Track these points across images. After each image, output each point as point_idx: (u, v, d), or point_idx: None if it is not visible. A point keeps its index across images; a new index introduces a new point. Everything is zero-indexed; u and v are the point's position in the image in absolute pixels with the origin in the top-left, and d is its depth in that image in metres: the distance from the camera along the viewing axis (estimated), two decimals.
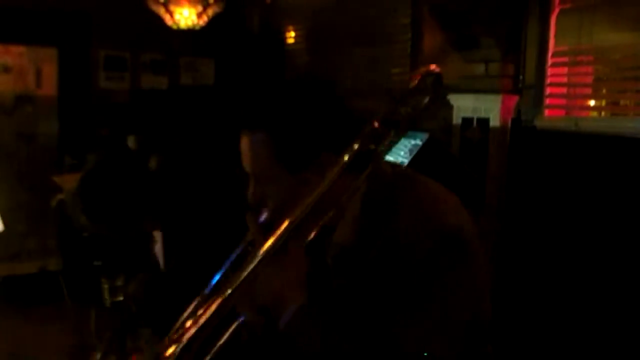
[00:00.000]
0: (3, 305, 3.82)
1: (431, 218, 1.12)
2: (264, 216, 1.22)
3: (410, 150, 2.46)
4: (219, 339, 1.16)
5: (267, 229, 1.15)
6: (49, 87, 4.83)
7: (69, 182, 3.95)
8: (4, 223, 3.08)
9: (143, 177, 2.07)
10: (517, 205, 2.73)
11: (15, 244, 4.56)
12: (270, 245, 1.10)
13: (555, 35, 2.67)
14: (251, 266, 1.10)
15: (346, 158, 1.13)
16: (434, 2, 3.13)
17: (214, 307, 1.09)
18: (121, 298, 2.53)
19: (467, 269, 1.13)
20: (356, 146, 1.14)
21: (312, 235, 1.16)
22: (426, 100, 1.14)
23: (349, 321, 1.13)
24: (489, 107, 2.77)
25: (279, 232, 1.11)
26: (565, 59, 2.69)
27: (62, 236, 4.48)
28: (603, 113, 2.72)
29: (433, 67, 1.15)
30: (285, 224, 1.11)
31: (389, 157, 1.99)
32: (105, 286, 2.47)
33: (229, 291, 1.10)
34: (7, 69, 4.80)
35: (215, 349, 1.16)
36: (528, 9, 2.71)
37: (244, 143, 1.22)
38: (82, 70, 4.67)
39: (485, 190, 2.76)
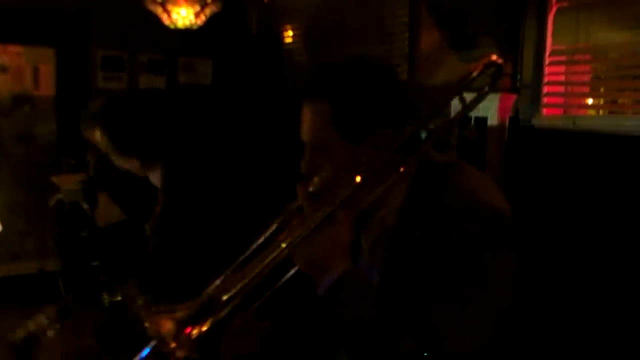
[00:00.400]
0: (1, 306, 3.81)
1: (479, 201, 1.17)
2: (312, 187, 1.25)
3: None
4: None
5: (315, 199, 1.20)
6: (47, 87, 4.83)
7: (67, 182, 3.95)
8: (2, 223, 3.08)
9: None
10: (515, 204, 2.72)
11: (13, 244, 4.56)
12: (322, 214, 1.14)
13: (553, 34, 2.68)
14: (300, 232, 1.14)
15: (404, 138, 1.18)
16: (432, 2, 3.13)
17: (261, 265, 1.13)
18: (119, 298, 2.52)
19: (508, 251, 1.17)
20: (413, 127, 1.20)
21: (360, 208, 1.20)
22: (486, 89, 1.19)
23: (388, 296, 1.16)
24: (486, 106, 2.78)
25: (331, 201, 1.15)
26: (562, 58, 2.69)
27: (61, 237, 4.48)
28: (601, 111, 2.73)
29: (494, 57, 1.19)
30: (339, 195, 1.15)
31: None
32: (106, 299, 2.46)
33: (283, 246, 1.13)
34: (4, 69, 4.79)
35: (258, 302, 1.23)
36: (525, 8, 2.71)
37: (306, 112, 1.27)
38: (80, 70, 4.66)
39: None
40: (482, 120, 2.80)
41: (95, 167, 4.33)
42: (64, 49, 4.63)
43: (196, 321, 1.10)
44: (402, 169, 1.20)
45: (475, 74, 1.19)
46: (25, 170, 4.80)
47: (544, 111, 2.73)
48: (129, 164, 2.07)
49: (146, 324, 1.11)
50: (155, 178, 2.07)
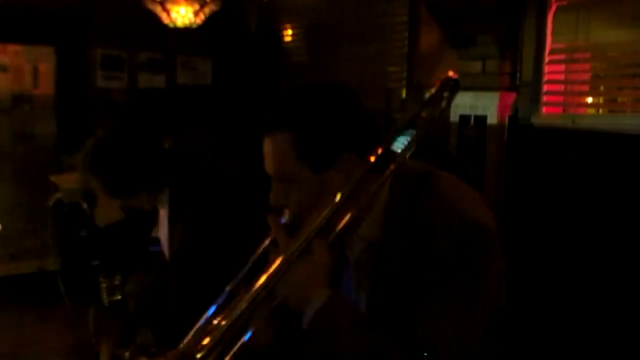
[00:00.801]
0: (1, 305, 3.82)
1: (455, 212, 1.16)
2: (285, 217, 1.25)
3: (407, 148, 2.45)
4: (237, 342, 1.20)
5: (290, 230, 1.19)
6: (46, 86, 4.83)
7: (66, 181, 3.94)
8: (2, 223, 3.08)
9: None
10: (515, 203, 2.73)
11: (13, 243, 4.56)
12: (297, 246, 1.14)
13: (553, 33, 2.67)
14: (276, 267, 1.14)
15: (372, 159, 1.17)
16: (431, 0, 3.13)
17: (242, 305, 1.14)
18: (119, 297, 2.52)
19: (490, 259, 1.17)
20: (380, 148, 1.18)
21: (335, 233, 1.18)
22: (444, 105, 1.20)
23: (378, 314, 1.17)
24: (486, 105, 2.77)
25: (305, 232, 1.15)
26: (562, 57, 2.69)
27: (60, 236, 4.48)
28: (601, 110, 2.72)
29: (451, 74, 1.21)
30: (312, 224, 1.15)
31: None
32: (103, 285, 2.46)
33: (257, 288, 1.14)
34: (4, 69, 4.79)
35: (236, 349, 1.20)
36: (525, 6, 2.71)
37: (267, 144, 1.24)
38: (80, 70, 4.66)
39: (482, 187, 2.77)
40: (481, 119, 2.80)
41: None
42: (64, 48, 4.63)
43: None
44: (373, 189, 1.18)
45: (433, 91, 1.20)
46: (25, 170, 4.81)
47: (544, 110, 2.73)
48: (136, 201, 2.04)
49: None
50: (163, 203, 2.04)
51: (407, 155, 1.20)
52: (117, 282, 2.47)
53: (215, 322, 1.19)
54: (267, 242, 1.27)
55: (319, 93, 1.26)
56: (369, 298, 1.23)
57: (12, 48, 4.78)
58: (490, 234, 1.17)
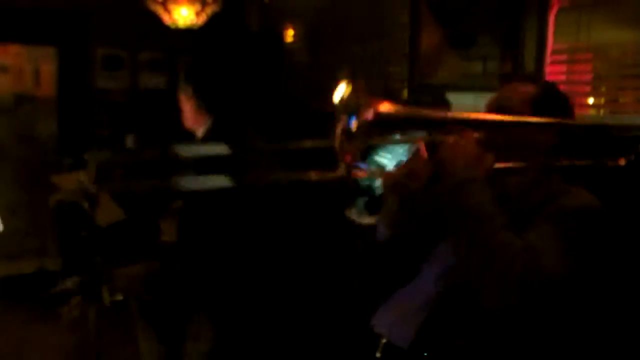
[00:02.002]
0: (2, 305, 3.82)
1: (591, 196, 1.46)
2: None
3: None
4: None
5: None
6: (48, 86, 4.83)
7: (67, 181, 3.95)
8: (3, 223, 3.08)
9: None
10: None
11: (14, 243, 4.55)
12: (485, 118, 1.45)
13: (554, 33, 2.67)
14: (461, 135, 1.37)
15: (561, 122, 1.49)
16: (432, 0, 3.13)
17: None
18: (120, 297, 2.53)
19: (598, 236, 1.41)
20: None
21: (498, 164, 1.41)
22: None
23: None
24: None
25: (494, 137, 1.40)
26: (564, 57, 2.68)
27: (61, 236, 4.48)
28: (602, 111, 2.72)
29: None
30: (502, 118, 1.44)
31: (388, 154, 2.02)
32: (104, 286, 2.47)
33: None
34: (5, 69, 4.79)
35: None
36: (526, 6, 2.71)
37: (514, 86, 1.56)
38: (81, 70, 4.66)
39: None
40: None
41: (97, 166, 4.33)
42: (65, 48, 4.62)
43: None
44: (540, 160, 1.46)
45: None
46: (26, 170, 4.81)
47: None
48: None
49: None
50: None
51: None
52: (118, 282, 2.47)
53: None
54: None
55: None
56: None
57: (14, 48, 4.78)
58: (609, 224, 1.44)
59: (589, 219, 1.41)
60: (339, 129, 1.35)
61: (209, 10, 3.90)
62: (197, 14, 3.87)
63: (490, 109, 1.55)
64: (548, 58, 2.69)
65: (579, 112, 2.66)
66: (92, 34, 4.61)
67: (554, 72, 2.71)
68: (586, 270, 1.42)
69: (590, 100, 2.74)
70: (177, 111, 2.59)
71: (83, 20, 4.54)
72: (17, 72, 4.84)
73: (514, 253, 1.27)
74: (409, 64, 3.35)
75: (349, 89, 1.29)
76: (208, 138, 2.27)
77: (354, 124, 1.34)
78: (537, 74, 2.72)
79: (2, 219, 3.07)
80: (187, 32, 4.06)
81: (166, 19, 3.90)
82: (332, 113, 1.40)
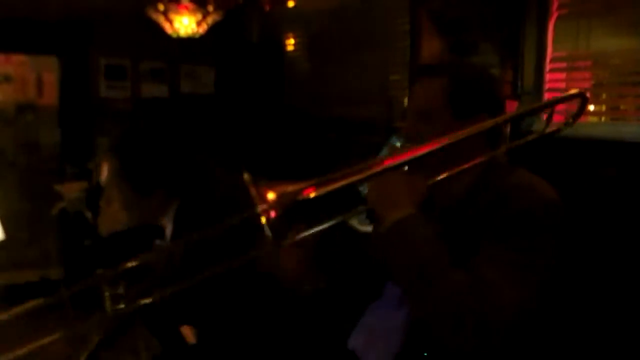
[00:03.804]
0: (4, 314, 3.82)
1: (534, 188, 1.35)
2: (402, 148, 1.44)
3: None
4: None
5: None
6: (50, 96, 4.85)
7: (70, 190, 3.96)
8: (6, 232, 3.09)
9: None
10: None
11: (16, 252, 4.56)
12: (404, 159, 1.31)
13: (553, 41, 2.68)
14: (379, 168, 1.30)
15: (498, 120, 1.40)
16: (433, 9, 3.14)
17: (341, 183, 1.26)
18: (123, 306, 2.52)
19: (554, 232, 1.32)
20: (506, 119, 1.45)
21: (433, 181, 1.34)
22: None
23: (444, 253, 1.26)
24: None
25: (415, 153, 1.31)
26: (563, 65, 2.69)
27: (64, 245, 4.49)
28: (603, 118, 2.73)
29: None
30: (424, 149, 1.32)
31: None
32: (107, 294, 2.46)
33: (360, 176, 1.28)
34: (8, 79, 4.83)
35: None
36: (526, 15, 2.72)
37: (424, 83, 1.48)
38: (83, 79, 4.68)
39: None
40: None
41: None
42: (68, 58, 4.65)
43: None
44: (481, 158, 1.37)
45: None
46: (29, 179, 4.83)
47: (545, 118, 2.73)
48: (146, 206, 1.95)
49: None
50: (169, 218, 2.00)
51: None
52: (120, 291, 2.47)
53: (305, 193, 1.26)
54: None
55: (474, 63, 1.61)
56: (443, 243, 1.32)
57: (17, 58, 4.82)
58: (557, 213, 1.34)
59: (541, 222, 1.30)
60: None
61: (210, 19, 3.92)
62: (198, 23, 3.89)
63: (410, 114, 1.48)
64: (547, 66, 2.71)
65: (579, 119, 2.67)
66: (95, 43, 4.63)
67: (553, 79, 2.72)
68: (551, 286, 1.33)
69: (591, 108, 2.74)
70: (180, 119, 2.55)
71: (85, 30, 4.57)
72: (20, 82, 4.88)
73: (464, 295, 1.18)
74: (409, 72, 3.36)
75: (254, 193, 1.19)
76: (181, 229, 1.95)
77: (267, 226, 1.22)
78: (536, 81, 2.73)
79: (4, 228, 3.08)
80: (189, 42, 4.09)
81: (168, 28, 3.92)
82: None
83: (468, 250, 1.26)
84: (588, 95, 1.46)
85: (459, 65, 1.51)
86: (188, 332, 2.21)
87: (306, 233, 1.29)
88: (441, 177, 1.34)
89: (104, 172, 1.97)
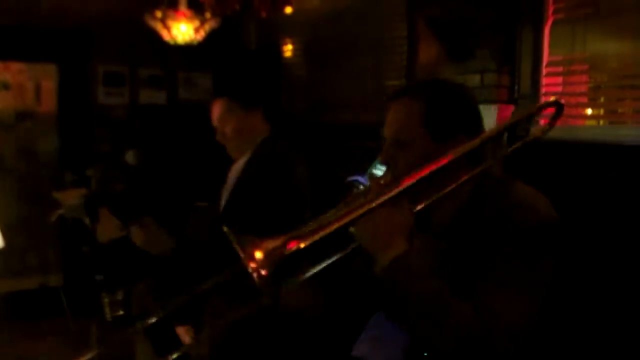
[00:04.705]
0: (4, 321, 3.82)
1: (531, 206, 1.32)
2: (384, 179, 1.37)
3: None
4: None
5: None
6: (49, 103, 4.86)
7: (69, 197, 3.96)
8: (4, 239, 3.09)
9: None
10: None
11: (15, 259, 4.56)
12: (390, 195, 1.25)
13: (550, 45, 2.69)
14: (366, 208, 1.25)
15: (477, 142, 1.35)
16: (430, 14, 3.16)
17: (331, 228, 1.22)
18: (122, 312, 2.53)
19: (552, 251, 1.31)
20: (487, 137, 1.39)
21: (421, 206, 1.32)
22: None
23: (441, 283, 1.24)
24: (484, 117, 2.78)
25: (400, 186, 1.27)
26: (559, 69, 2.70)
27: (63, 252, 4.49)
28: (601, 122, 2.73)
29: None
30: (409, 180, 1.28)
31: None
32: (106, 300, 2.48)
33: (344, 220, 1.24)
34: (6, 86, 4.83)
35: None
36: (522, 20, 2.73)
37: (397, 107, 1.44)
38: (81, 86, 4.70)
39: None
40: None
41: (98, 183, 4.35)
42: (66, 65, 4.66)
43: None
44: (464, 177, 1.33)
45: None
46: (27, 186, 4.82)
47: (542, 122, 2.74)
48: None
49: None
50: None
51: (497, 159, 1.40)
52: (119, 297, 2.48)
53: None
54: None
55: (448, 81, 1.52)
56: (437, 273, 1.30)
57: (15, 66, 4.82)
58: (557, 230, 1.31)
59: (539, 241, 1.28)
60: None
61: (208, 26, 3.93)
62: (196, 30, 3.90)
63: (386, 141, 1.44)
64: (544, 70, 2.71)
65: (577, 123, 2.68)
66: (93, 51, 4.64)
67: (550, 83, 2.72)
68: (551, 294, 1.32)
69: (589, 111, 2.75)
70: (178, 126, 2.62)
71: (84, 37, 4.58)
72: (18, 89, 4.88)
73: (469, 324, 1.18)
74: (406, 77, 3.37)
75: (241, 253, 1.17)
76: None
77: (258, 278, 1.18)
78: (533, 86, 2.74)
79: (3, 235, 3.08)
80: (186, 49, 4.10)
81: (165, 35, 3.93)
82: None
83: (468, 269, 1.27)
84: (563, 102, 1.46)
85: (433, 86, 1.45)
86: (184, 334, 2.22)
87: (307, 275, 1.30)
88: (427, 202, 1.33)
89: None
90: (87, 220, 3.81)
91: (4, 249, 3.13)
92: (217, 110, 2.66)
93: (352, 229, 1.27)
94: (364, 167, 1.78)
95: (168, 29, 3.86)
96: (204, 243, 2.32)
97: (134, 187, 4.74)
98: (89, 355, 1.37)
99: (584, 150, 2.51)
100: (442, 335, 1.20)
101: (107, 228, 3.02)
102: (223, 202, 2.61)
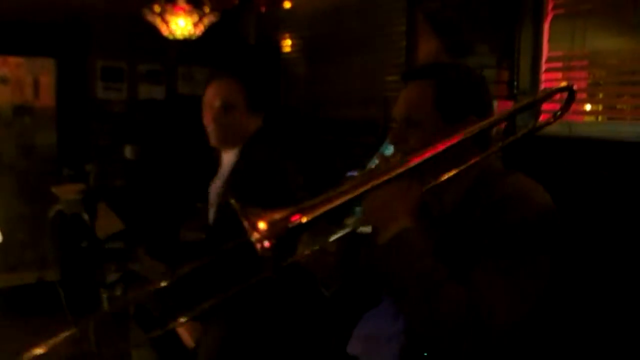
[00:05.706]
0: (1, 316, 3.82)
1: (530, 195, 1.34)
2: (392, 157, 1.38)
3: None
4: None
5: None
6: (47, 97, 4.85)
7: (67, 192, 3.96)
8: (2, 234, 3.09)
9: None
10: None
11: (13, 254, 4.56)
12: (400, 169, 1.27)
13: (549, 41, 2.69)
14: (375, 181, 1.26)
15: (487, 123, 1.37)
16: (429, 10, 3.15)
17: (336, 202, 1.23)
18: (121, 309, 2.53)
19: (551, 240, 1.31)
20: (497, 119, 1.42)
21: (429, 186, 1.32)
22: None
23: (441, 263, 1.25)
24: None
25: (410, 163, 1.28)
26: (559, 65, 2.70)
27: (61, 247, 4.49)
28: (600, 118, 2.73)
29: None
30: (418, 157, 1.28)
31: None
32: (104, 296, 2.48)
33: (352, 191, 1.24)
34: (4, 80, 4.82)
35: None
36: (521, 15, 2.72)
37: (410, 89, 1.44)
38: (80, 81, 4.69)
39: None
40: None
41: (97, 178, 4.34)
42: (64, 60, 4.65)
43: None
44: (473, 160, 1.34)
45: None
46: (26, 181, 4.82)
47: (541, 117, 2.73)
48: None
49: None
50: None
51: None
52: (118, 292, 2.48)
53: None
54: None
55: (460, 64, 1.54)
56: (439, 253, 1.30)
57: (13, 60, 4.82)
58: (554, 222, 1.32)
59: (536, 232, 1.29)
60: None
61: (206, 21, 3.92)
62: (195, 25, 3.89)
63: (396, 121, 1.45)
64: (543, 66, 2.71)
65: (576, 119, 2.68)
66: (91, 45, 4.63)
67: (549, 79, 2.72)
68: (548, 290, 1.32)
69: (588, 107, 2.75)
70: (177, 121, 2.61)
71: (82, 32, 4.57)
72: (16, 84, 4.88)
73: (462, 308, 1.18)
74: None
75: (245, 222, 1.16)
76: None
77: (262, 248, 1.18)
78: (532, 81, 2.73)
79: (1, 230, 3.08)
80: (185, 43, 4.09)
81: (164, 30, 3.93)
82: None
83: (464, 258, 1.26)
84: (575, 88, 1.42)
85: (445, 68, 1.47)
86: (186, 335, 2.21)
87: (315, 247, 1.32)
88: (437, 182, 1.33)
89: None
90: (85, 216, 3.80)
91: (2, 244, 3.13)
92: (225, 89, 2.51)
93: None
94: (363, 162, 1.77)
95: (167, 23, 3.85)
96: (202, 243, 2.31)
97: (133, 182, 4.74)
98: (66, 334, 1.36)
99: (583, 146, 2.50)
100: (433, 313, 1.20)
101: (105, 223, 3.03)
102: (214, 198, 2.54)
